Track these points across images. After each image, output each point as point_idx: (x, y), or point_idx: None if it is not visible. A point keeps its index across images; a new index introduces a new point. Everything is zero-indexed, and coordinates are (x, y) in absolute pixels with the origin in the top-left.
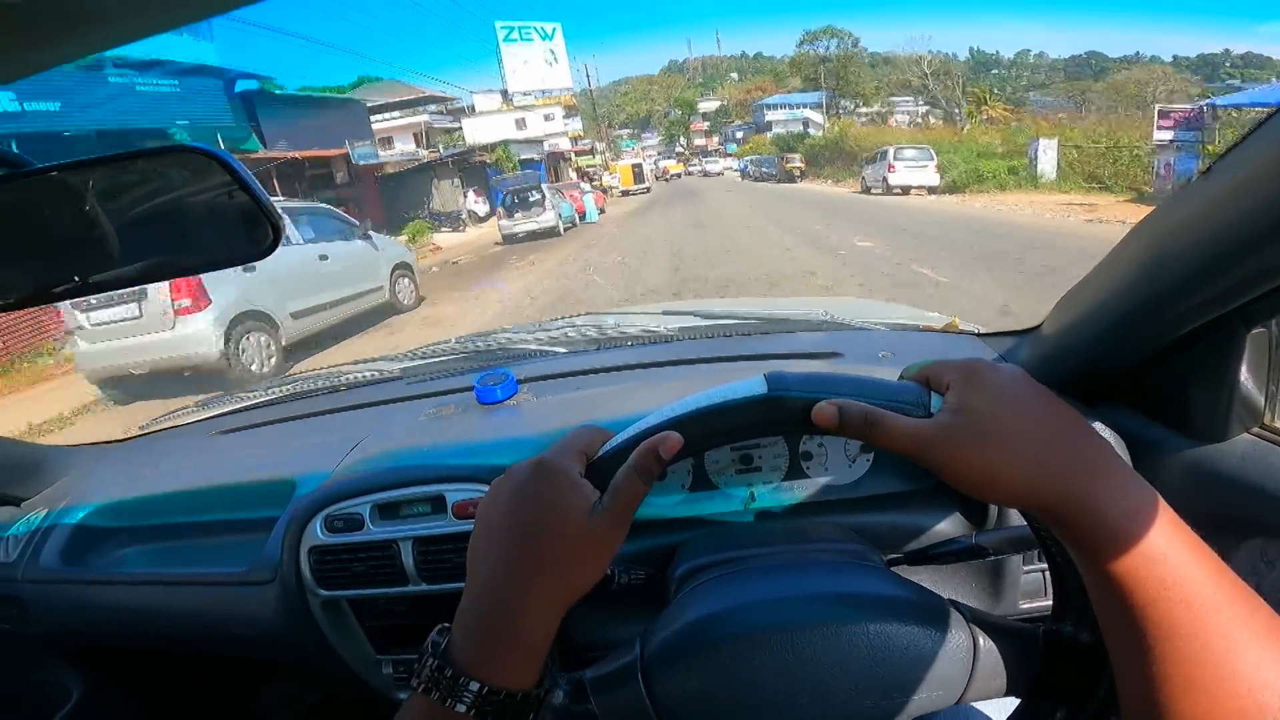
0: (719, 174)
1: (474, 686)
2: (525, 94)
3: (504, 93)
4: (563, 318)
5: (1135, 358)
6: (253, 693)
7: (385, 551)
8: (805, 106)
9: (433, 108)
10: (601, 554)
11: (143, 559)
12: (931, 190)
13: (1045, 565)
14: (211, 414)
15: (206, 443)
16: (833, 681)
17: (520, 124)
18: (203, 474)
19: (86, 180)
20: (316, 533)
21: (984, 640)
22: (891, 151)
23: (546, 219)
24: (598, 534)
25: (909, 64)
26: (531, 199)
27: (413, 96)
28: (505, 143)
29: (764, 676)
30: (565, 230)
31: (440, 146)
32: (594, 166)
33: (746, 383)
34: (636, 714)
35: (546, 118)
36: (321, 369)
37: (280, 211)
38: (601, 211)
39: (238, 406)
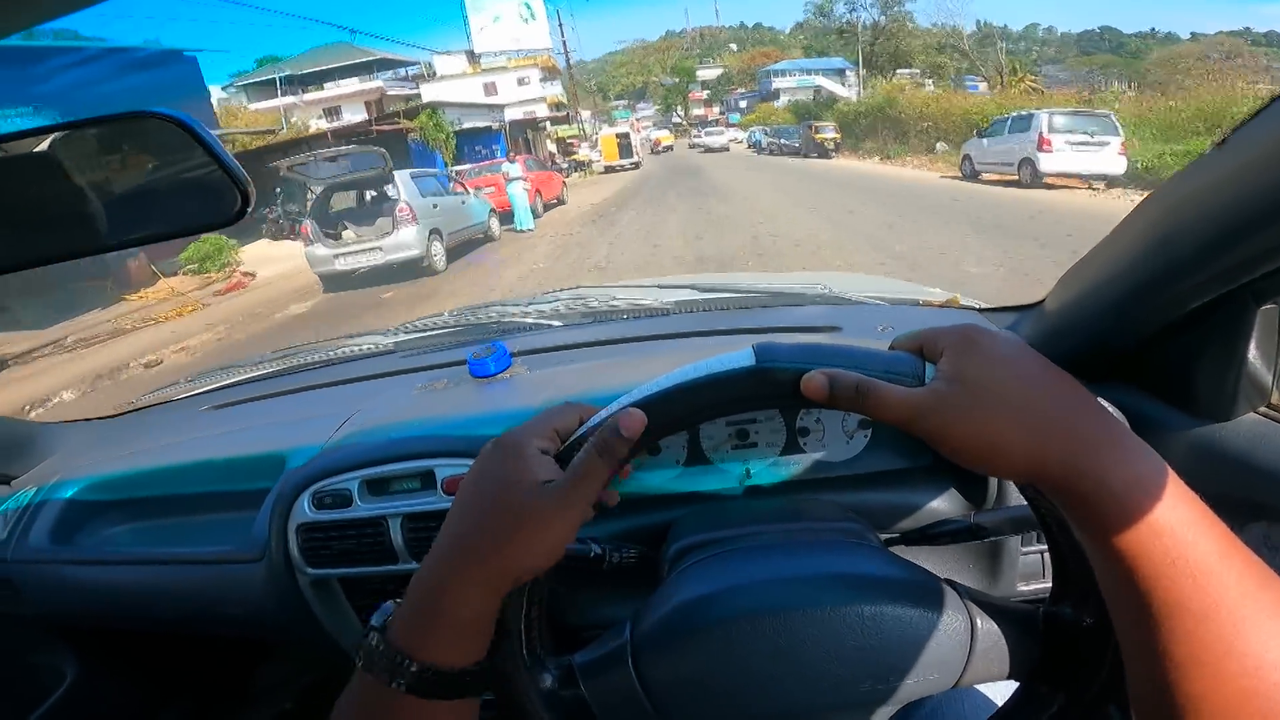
0: (723, 148)
1: (412, 666)
2: (496, 54)
3: (470, 54)
4: (557, 290)
5: (1141, 333)
6: (247, 675)
7: (374, 528)
8: (818, 73)
9: (390, 74)
10: (549, 535)
11: (132, 537)
12: (1110, 182)
13: (1044, 547)
14: (203, 388)
15: (198, 417)
16: (826, 665)
17: (489, 89)
18: (193, 449)
19: (44, 148)
20: (305, 509)
21: (982, 622)
22: (1045, 120)
23: (400, 242)
24: (546, 514)
25: (947, 34)
26: (372, 202)
27: (361, 60)
28: (433, 106)
29: (755, 660)
30: (447, 255)
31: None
32: (574, 137)
33: (733, 355)
34: (627, 698)
35: (520, 81)
36: (314, 342)
37: (247, 178)
38: (558, 203)
39: (230, 381)
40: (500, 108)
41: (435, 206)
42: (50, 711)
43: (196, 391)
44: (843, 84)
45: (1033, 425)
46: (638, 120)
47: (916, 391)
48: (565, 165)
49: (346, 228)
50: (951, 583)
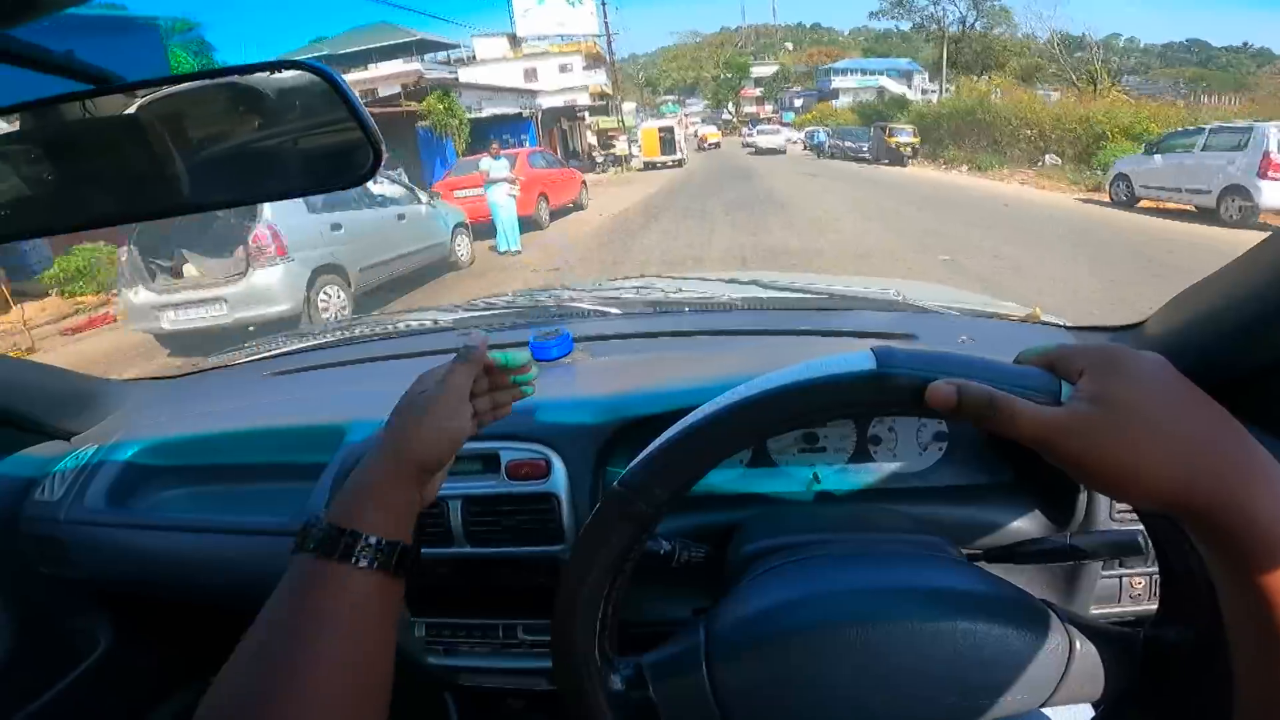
0: (778, 149)
1: (347, 536)
2: (539, 39)
3: (512, 37)
4: (622, 278)
5: (1255, 364)
6: None
7: (434, 509)
8: (882, 73)
9: (431, 56)
10: (434, 425)
11: (187, 502)
12: None
13: (1124, 570)
14: (266, 354)
15: (259, 383)
16: (911, 680)
17: (530, 75)
18: (253, 415)
19: (178, 97)
20: None
21: (1080, 643)
22: (1274, 136)
23: (254, 291)
24: (431, 410)
25: (1027, 40)
26: (220, 230)
27: (401, 40)
28: (445, 86)
29: (837, 671)
30: (357, 302)
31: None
32: (614, 129)
33: (850, 356)
34: (696, 704)
35: (563, 69)
36: (376, 314)
37: (381, 136)
38: (575, 208)
39: (293, 348)
40: (533, 93)
41: (338, 228)
42: (81, 677)
43: (259, 356)
44: (909, 87)
45: (1178, 453)
46: (686, 116)
47: (1055, 411)
48: (602, 159)
49: (186, 260)
50: (1048, 602)
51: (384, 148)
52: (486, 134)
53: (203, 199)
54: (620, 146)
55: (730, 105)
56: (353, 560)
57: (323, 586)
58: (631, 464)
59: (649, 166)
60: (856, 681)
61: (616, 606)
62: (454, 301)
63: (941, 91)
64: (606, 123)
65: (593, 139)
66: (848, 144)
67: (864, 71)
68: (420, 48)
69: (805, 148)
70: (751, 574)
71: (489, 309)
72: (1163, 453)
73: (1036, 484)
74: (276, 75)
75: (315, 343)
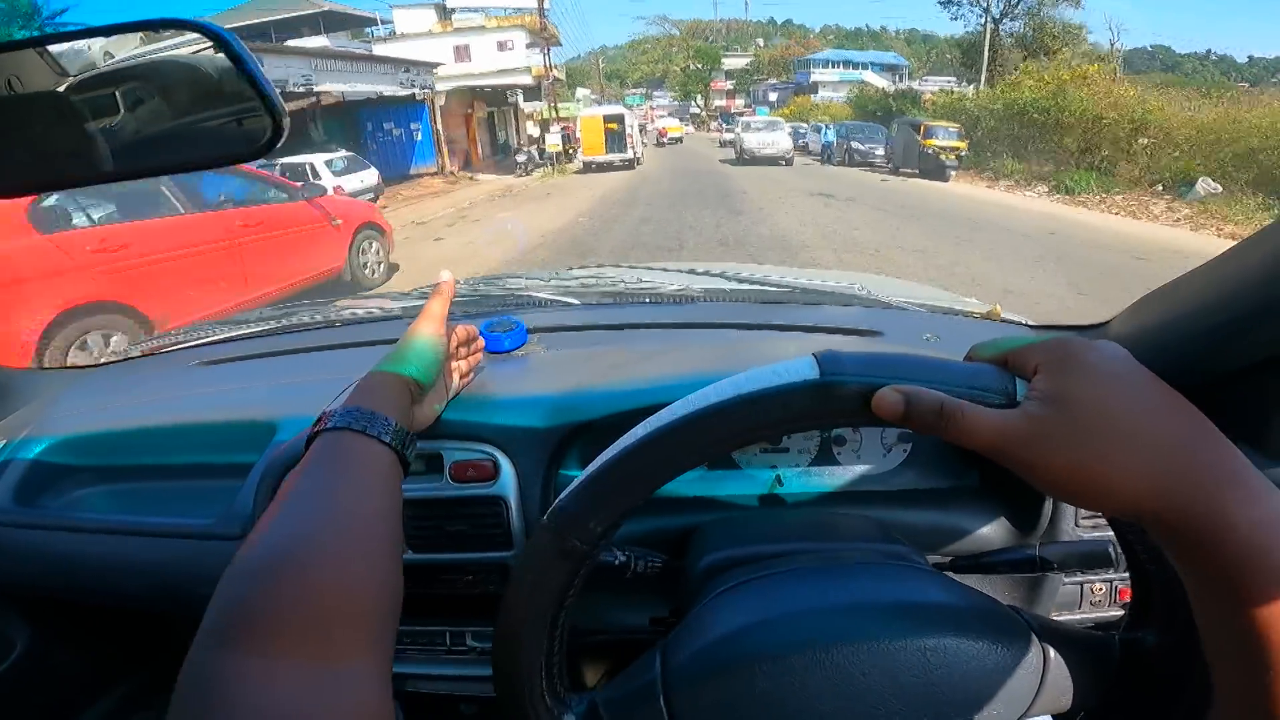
0: (780, 158)
1: (384, 418)
2: (473, 11)
3: (441, 8)
4: (580, 267)
5: (1220, 369)
6: None
7: None
8: (866, 66)
9: (344, 32)
10: (417, 343)
11: (104, 501)
12: None
13: (1085, 578)
14: (194, 342)
15: (187, 373)
16: (884, 701)
17: (461, 53)
18: (178, 408)
19: (53, 59)
20: None
21: (1054, 651)
22: None
23: None
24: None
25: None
26: None
27: (301, 13)
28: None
29: (803, 697)
30: None
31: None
32: (561, 120)
33: (792, 364)
34: None
35: (502, 46)
36: (318, 301)
37: (283, 106)
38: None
39: (223, 336)
40: (428, 68)
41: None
42: None
43: (187, 345)
44: (893, 82)
45: (1146, 457)
46: (653, 108)
47: (1009, 415)
48: (524, 158)
49: None
50: (1016, 609)
51: (285, 119)
52: (357, 125)
53: (87, 172)
54: (551, 140)
55: (699, 98)
56: (376, 435)
57: (353, 453)
58: (562, 495)
59: (590, 167)
60: (824, 705)
61: (564, 641)
62: (402, 290)
63: (983, 80)
64: (536, 109)
65: (535, 130)
66: (866, 147)
67: (846, 64)
68: (329, 21)
69: (796, 145)
70: (710, 593)
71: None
72: (1128, 458)
73: (1001, 488)
74: (159, 36)
75: (250, 330)
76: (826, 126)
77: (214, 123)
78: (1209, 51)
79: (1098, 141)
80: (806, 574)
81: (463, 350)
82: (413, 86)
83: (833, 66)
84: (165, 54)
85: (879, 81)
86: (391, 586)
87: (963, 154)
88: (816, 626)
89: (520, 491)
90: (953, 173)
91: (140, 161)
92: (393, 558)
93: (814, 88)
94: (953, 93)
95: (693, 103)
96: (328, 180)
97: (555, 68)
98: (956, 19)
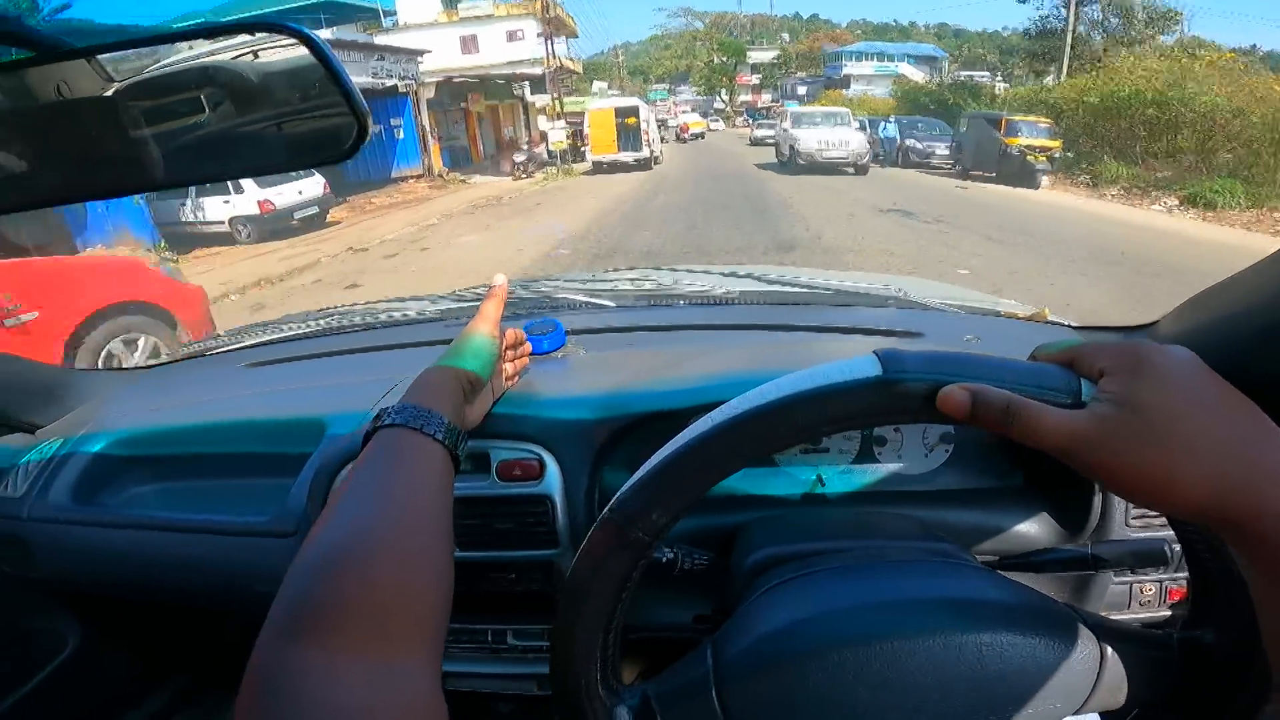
0: (843, 161)
1: (438, 416)
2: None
3: None
4: (614, 270)
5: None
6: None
7: None
8: (903, 58)
9: (349, 24)
10: (473, 342)
11: (159, 499)
12: None
13: (1135, 578)
14: (243, 344)
15: (236, 374)
16: (935, 697)
17: (469, 44)
18: (230, 407)
19: (131, 64)
20: None
21: (1112, 649)
22: None
23: None
24: (474, 337)
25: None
26: None
27: (302, 3)
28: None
29: (856, 692)
30: None
31: None
32: (562, 113)
33: (853, 362)
34: None
35: (512, 36)
36: (358, 304)
37: (366, 107)
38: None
39: (270, 338)
40: (413, 55)
41: None
42: (48, 680)
43: (235, 347)
44: (930, 75)
45: (1214, 460)
46: (676, 103)
47: (1077, 416)
48: (523, 159)
49: None
50: (1073, 607)
51: (369, 121)
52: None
53: (174, 177)
54: (555, 137)
55: (723, 93)
56: (431, 433)
57: (410, 449)
58: (624, 489)
59: (600, 168)
60: (875, 702)
61: (619, 633)
62: (438, 292)
63: (1065, 69)
64: (574, 104)
65: (547, 125)
66: (914, 143)
67: (880, 56)
68: (330, 11)
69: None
70: (759, 589)
71: (477, 299)
72: (1199, 461)
73: (1047, 488)
74: (247, 37)
75: (295, 333)
76: (886, 120)
77: (298, 125)
78: (1255, 46)
79: (1240, 143)
80: (857, 570)
81: (510, 353)
82: (391, 77)
83: (866, 59)
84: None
85: (916, 75)
86: (445, 584)
87: (1055, 155)
88: (869, 622)
89: (565, 491)
90: (1045, 178)
91: (219, 166)
92: (446, 555)
93: (846, 81)
94: (1044, 84)
95: (717, 98)
96: (251, 193)
97: (571, 60)
98: (1025, 1)
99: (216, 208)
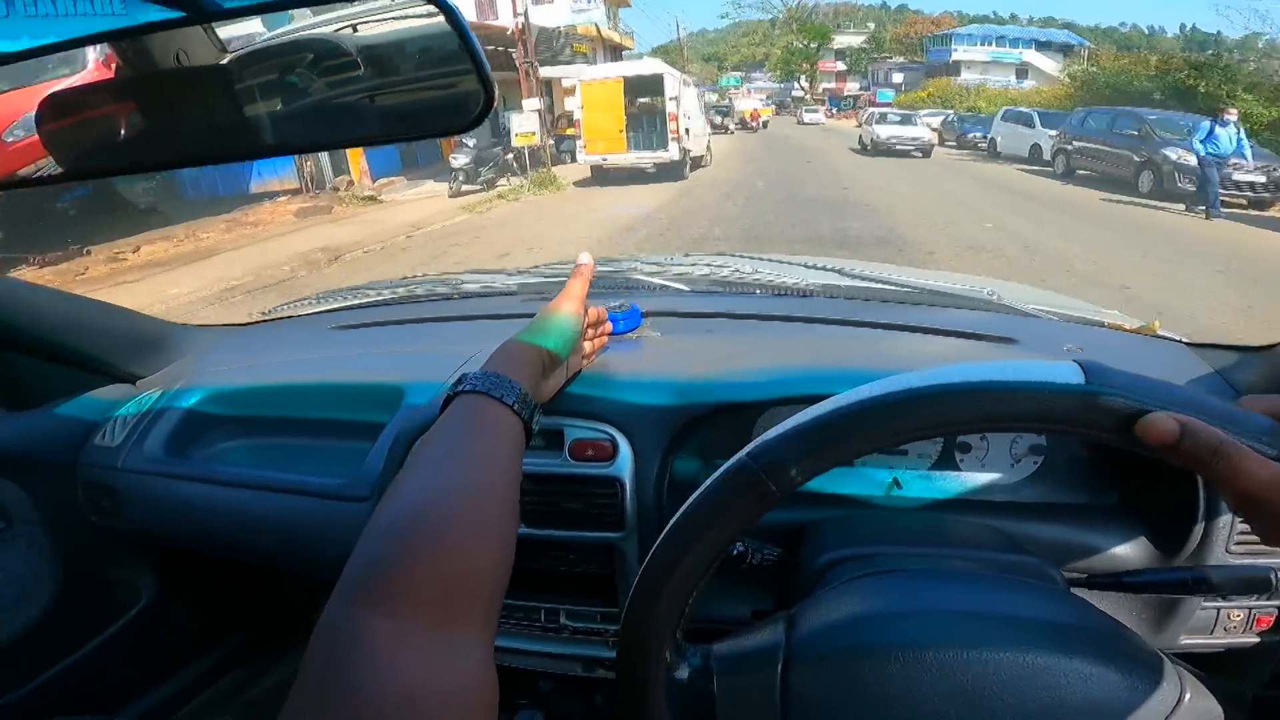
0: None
1: (517, 387)
2: None
3: None
4: (693, 254)
5: None
6: (309, 610)
7: None
8: (1030, 44)
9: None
10: (558, 320)
11: (244, 455)
12: None
13: (1223, 602)
14: (330, 307)
15: (323, 335)
16: (1007, 717)
17: (485, 8)
18: (316, 368)
19: (215, 34)
20: None
21: (1190, 697)
22: None
23: None
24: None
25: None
26: None
27: None
28: None
29: (929, 697)
30: None
31: None
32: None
33: (1050, 365)
34: (759, 705)
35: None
36: (437, 275)
37: (493, 78)
38: None
39: (356, 302)
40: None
41: None
42: (120, 631)
43: (324, 309)
44: (1062, 65)
45: None
46: (750, 90)
47: None
48: (468, 159)
49: None
50: (1165, 655)
51: (495, 91)
52: None
53: (303, 141)
54: (521, 126)
55: (803, 79)
56: (510, 404)
57: (488, 418)
58: (765, 437)
59: (599, 174)
60: (950, 710)
61: (703, 589)
62: (517, 266)
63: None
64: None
65: (573, 105)
66: (1089, 144)
67: (1000, 41)
68: None
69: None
70: (836, 580)
71: (553, 275)
72: None
73: (1144, 509)
74: (386, 2)
75: (379, 298)
76: (1077, 112)
77: (425, 93)
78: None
79: None
80: (945, 575)
81: (590, 331)
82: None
83: (981, 45)
84: (365, 22)
85: (1046, 64)
86: (508, 558)
87: None
88: (958, 629)
89: (636, 475)
90: None
91: (345, 133)
92: (512, 529)
93: (955, 68)
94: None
95: (796, 84)
96: None
97: (618, 33)
98: None
99: None
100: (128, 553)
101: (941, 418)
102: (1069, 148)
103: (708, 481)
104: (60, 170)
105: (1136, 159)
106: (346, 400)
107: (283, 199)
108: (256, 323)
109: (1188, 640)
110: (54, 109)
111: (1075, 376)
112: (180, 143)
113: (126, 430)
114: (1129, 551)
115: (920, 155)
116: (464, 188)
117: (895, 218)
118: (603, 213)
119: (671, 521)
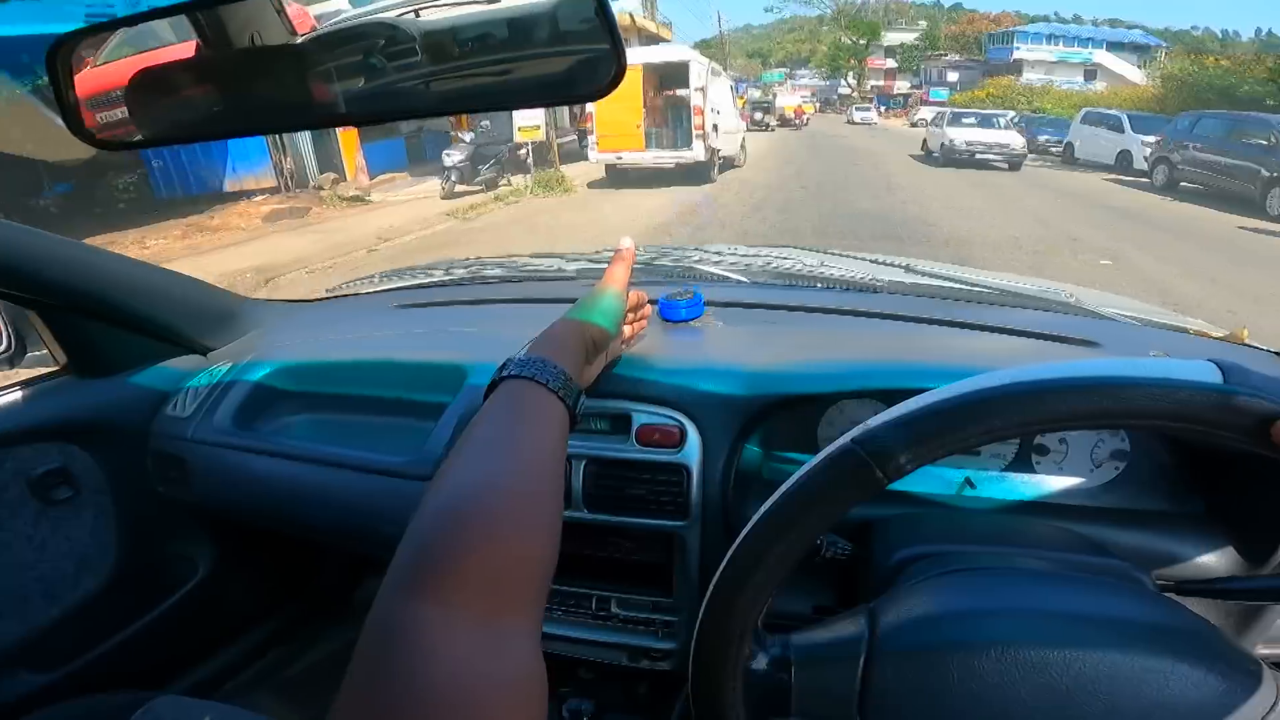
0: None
1: (557, 368)
2: None
3: None
4: (757, 246)
5: None
6: (355, 586)
7: None
8: (1100, 44)
9: None
10: (604, 300)
11: (309, 429)
12: None
13: None
14: (394, 285)
15: (387, 314)
16: (1101, 716)
17: None
18: (380, 346)
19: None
20: None
21: None
22: None
23: None
24: (601, 298)
25: None
26: None
27: None
28: None
29: (1023, 695)
30: None
31: None
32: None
33: (1184, 363)
34: (836, 699)
35: None
36: (500, 257)
37: (624, 47)
38: None
39: (420, 281)
40: None
41: None
42: (177, 604)
43: (388, 287)
44: (1139, 66)
45: None
46: (794, 86)
47: None
48: (462, 157)
49: None
50: (1262, 662)
51: (625, 61)
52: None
53: (440, 106)
54: (524, 119)
55: (851, 76)
56: (555, 390)
57: (533, 403)
58: (875, 421)
59: (615, 174)
60: (1036, 710)
61: (788, 577)
62: (578, 250)
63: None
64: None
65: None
66: (1200, 153)
67: (1067, 40)
68: None
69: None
70: (917, 576)
71: None
72: None
73: (1232, 517)
74: None
75: (442, 278)
76: (1200, 117)
77: (558, 61)
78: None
79: None
80: (1033, 575)
81: (630, 315)
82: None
83: (1047, 43)
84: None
85: (1120, 66)
86: (555, 545)
87: None
88: (1047, 630)
89: (703, 463)
90: None
91: (470, 100)
92: (558, 515)
93: (1016, 67)
94: None
95: (842, 81)
96: None
97: (655, 22)
98: None
99: None
100: (188, 526)
101: (1068, 411)
102: (1172, 157)
103: (810, 463)
104: (142, 137)
105: (1265, 173)
106: (410, 379)
107: (259, 198)
108: (322, 299)
109: (1264, 650)
110: (143, 81)
111: (1213, 375)
112: (304, 111)
113: (197, 401)
114: (1215, 560)
115: (1006, 168)
116: (458, 188)
117: (972, 248)
118: (606, 224)
119: (769, 502)
